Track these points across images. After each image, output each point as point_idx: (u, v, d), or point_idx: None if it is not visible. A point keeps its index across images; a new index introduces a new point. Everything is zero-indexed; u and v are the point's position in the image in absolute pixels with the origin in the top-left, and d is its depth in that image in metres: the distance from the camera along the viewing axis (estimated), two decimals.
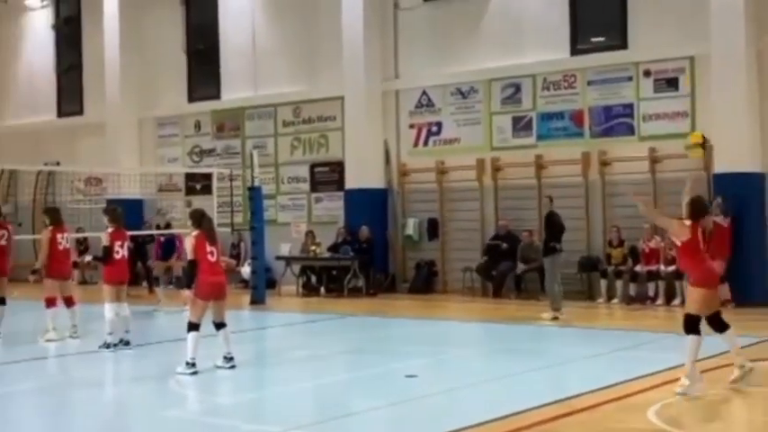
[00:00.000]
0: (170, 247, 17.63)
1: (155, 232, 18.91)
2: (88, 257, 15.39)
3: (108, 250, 12.08)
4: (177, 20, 23.32)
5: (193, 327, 10.15)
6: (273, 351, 12.89)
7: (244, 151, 21.77)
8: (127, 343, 12.08)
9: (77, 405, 9.30)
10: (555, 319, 14.40)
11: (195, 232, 10.36)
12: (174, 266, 17.33)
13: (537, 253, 16.46)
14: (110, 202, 22.32)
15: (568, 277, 16.54)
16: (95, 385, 10.35)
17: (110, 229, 12.26)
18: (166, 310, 16.29)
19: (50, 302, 12.92)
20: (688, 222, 8.90)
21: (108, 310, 11.87)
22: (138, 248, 21.29)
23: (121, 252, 12.17)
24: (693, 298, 8.86)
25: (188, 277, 10.52)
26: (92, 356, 11.70)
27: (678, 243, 8.97)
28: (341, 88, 20.07)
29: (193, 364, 10.00)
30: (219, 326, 10.43)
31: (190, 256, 10.33)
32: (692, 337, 8.65)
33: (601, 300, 16.76)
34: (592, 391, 8.76)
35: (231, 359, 10.37)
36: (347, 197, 20.16)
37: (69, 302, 13.18)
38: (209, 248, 10.26)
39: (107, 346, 11.85)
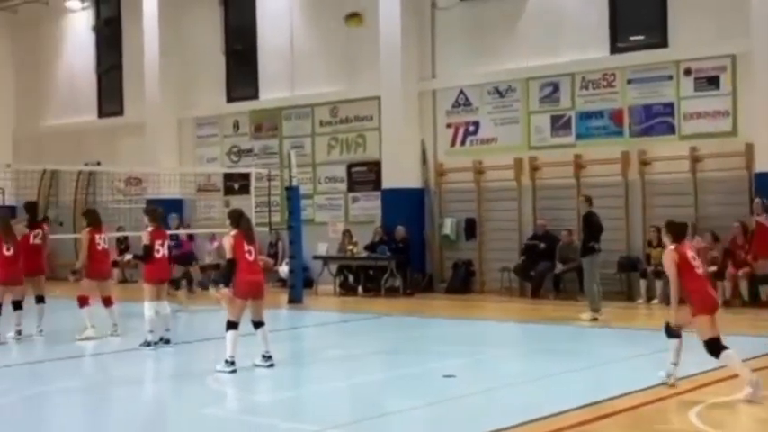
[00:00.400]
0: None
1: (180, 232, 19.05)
2: (129, 256, 15.38)
3: (149, 249, 12.20)
4: (216, 20, 23.46)
5: (232, 325, 10.23)
6: (311, 350, 12.91)
7: (281, 151, 21.85)
8: (167, 341, 12.18)
9: (117, 402, 9.38)
10: (594, 319, 14.29)
11: (233, 232, 10.42)
12: (193, 271, 17.55)
13: (575, 253, 16.34)
14: (149, 201, 22.56)
15: (607, 277, 16.41)
16: (135, 383, 10.43)
17: (150, 229, 12.39)
18: (190, 310, 16.38)
19: (83, 301, 13.07)
20: (672, 247, 8.83)
21: (147, 308, 11.98)
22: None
23: (162, 251, 12.30)
24: (700, 325, 8.66)
25: (226, 276, 10.57)
26: (132, 354, 11.80)
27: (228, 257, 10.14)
28: (378, 88, 20.07)
29: (232, 362, 10.07)
30: (258, 324, 10.49)
31: (228, 255, 10.39)
32: (724, 354, 8.46)
33: (640, 300, 16.60)
34: (632, 393, 8.66)
35: (270, 358, 10.42)
36: (384, 197, 20.16)
37: (107, 302, 13.33)
38: (246, 248, 10.34)
39: (147, 344, 11.95)
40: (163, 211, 12.98)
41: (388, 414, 8.37)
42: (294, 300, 17.85)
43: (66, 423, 8.49)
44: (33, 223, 13.85)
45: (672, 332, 8.94)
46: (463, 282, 19.06)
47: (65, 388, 9.95)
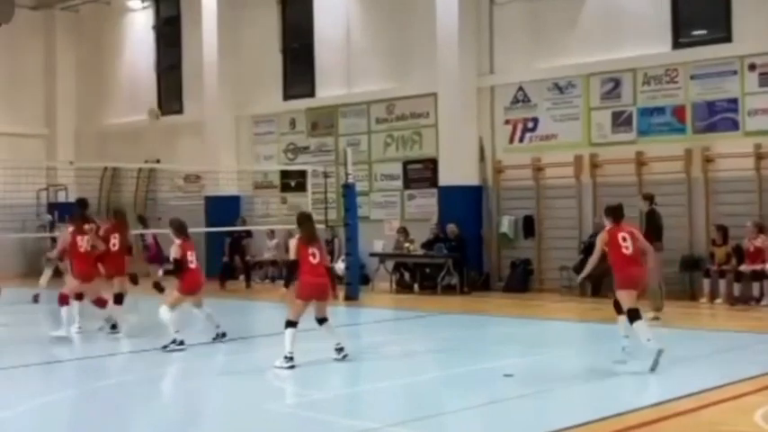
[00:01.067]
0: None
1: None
2: (160, 272, 14.07)
3: (179, 263, 11.93)
4: (273, 19, 23.57)
5: (291, 324, 10.30)
6: (367, 347, 12.84)
7: (337, 148, 21.86)
8: (224, 335, 12.21)
9: (177, 397, 9.43)
10: (656, 319, 14.01)
11: (298, 234, 10.58)
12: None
13: None
14: (208, 199, 22.81)
15: (669, 277, 16.09)
16: (190, 378, 10.48)
17: (178, 241, 12.10)
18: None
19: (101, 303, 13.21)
20: (607, 228, 10.19)
21: (164, 311, 11.78)
22: (236, 243, 21.65)
23: (194, 261, 12.11)
24: (620, 298, 10.22)
25: (287, 277, 10.72)
26: (193, 351, 11.86)
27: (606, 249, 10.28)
28: (434, 84, 19.97)
29: (291, 358, 10.12)
30: (322, 321, 10.61)
31: (291, 256, 10.52)
32: (636, 323, 10.01)
33: (703, 300, 16.27)
34: (695, 393, 8.49)
35: (342, 349, 10.56)
36: (441, 194, 20.05)
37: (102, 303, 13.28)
38: (310, 250, 10.44)
39: (175, 342, 11.68)
40: (185, 223, 12.66)
41: (446, 413, 8.29)
42: (350, 297, 17.85)
43: (127, 416, 8.54)
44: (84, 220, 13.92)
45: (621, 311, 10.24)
46: (521, 280, 18.88)
47: (122, 382, 10.03)
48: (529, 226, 19.09)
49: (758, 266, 15.66)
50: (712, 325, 14.47)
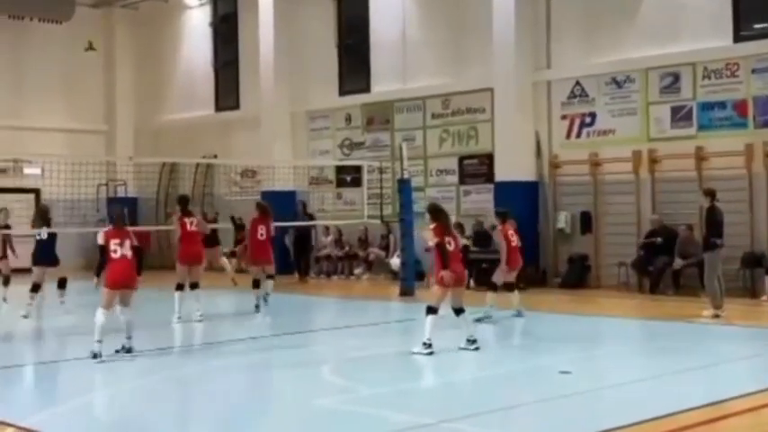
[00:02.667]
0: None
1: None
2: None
3: (101, 251, 11.24)
4: (329, 15, 23.64)
5: (432, 310, 10.60)
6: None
7: (393, 144, 21.85)
8: (129, 350, 10.94)
9: (225, 392, 9.52)
10: (716, 317, 13.80)
11: (432, 224, 10.82)
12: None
13: (696, 248, 15.83)
14: (264, 194, 22.95)
15: (730, 274, 15.81)
16: (242, 372, 10.56)
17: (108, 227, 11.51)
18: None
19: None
20: (432, 226, 10.64)
21: (99, 314, 11.03)
22: (302, 239, 21.80)
23: (122, 251, 10.94)
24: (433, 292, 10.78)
25: (443, 262, 10.80)
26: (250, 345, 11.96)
27: (431, 244, 10.77)
28: (490, 79, 19.85)
29: (430, 345, 10.42)
30: (458, 311, 10.84)
31: (431, 242, 10.86)
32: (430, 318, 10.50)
33: (764, 297, 15.95)
34: (754, 393, 8.33)
35: (474, 341, 10.75)
36: (496, 190, 19.94)
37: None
38: (446, 239, 10.72)
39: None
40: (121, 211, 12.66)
41: (503, 409, 8.23)
42: (405, 292, 17.83)
43: (177, 410, 8.65)
44: (187, 212, 14.64)
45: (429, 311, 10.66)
46: (578, 276, 18.70)
47: (174, 376, 10.14)
48: (586, 222, 18.90)
49: None
50: None
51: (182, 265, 14.12)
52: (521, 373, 9.98)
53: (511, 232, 14.00)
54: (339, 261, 22.35)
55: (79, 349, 10.84)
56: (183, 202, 14.83)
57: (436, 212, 10.98)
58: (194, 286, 14.06)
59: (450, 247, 10.71)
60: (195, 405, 8.83)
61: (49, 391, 9.74)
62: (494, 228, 14.26)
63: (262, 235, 15.25)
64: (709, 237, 14.19)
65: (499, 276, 13.96)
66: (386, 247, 21.69)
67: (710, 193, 14.42)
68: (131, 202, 26.29)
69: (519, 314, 14.03)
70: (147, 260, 15.90)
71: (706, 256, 14.27)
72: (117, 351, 10.61)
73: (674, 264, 16.98)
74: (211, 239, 17.65)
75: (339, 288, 20.08)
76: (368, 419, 7.88)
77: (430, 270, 19.80)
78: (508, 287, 13.95)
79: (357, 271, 21.95)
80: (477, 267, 19.42)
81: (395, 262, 19.88)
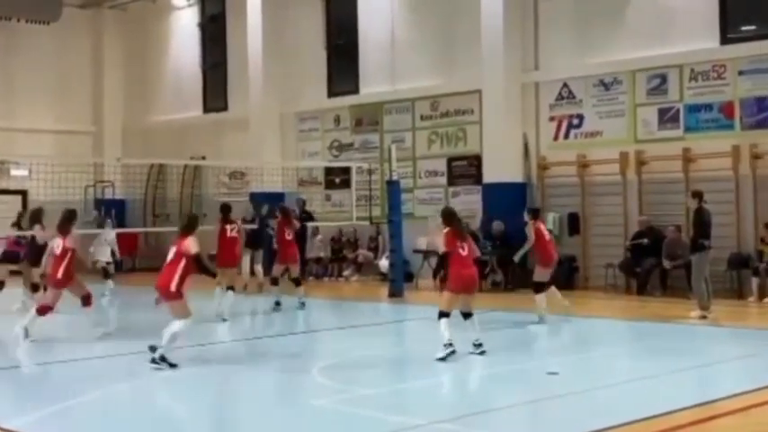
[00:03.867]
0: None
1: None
2: None
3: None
4: (317, 16, 23.66)
5: (444, 315, 10.53)
6: (412, 344, 12.89)
7: (382, 145, 21.90)
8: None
9: (220, 392, 9.53)
10: (703, 317, 13.89)
11: (446, 229, 10.75)
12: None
13: (684, 249, 15.92)
14: (252, 195, 22.95)
15: (717, 275, 15.93)
16: (238, 373, 10.58)
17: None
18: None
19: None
20: (444, 231, 10.59)
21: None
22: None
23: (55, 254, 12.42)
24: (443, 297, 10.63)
25: (438, 268, 10.97)
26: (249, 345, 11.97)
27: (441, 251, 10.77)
28: (479, 81, 19.91)
29: (451, 344, 10.33)
30: (467, 315, 10.77)
31: (443, 249, 10.79)
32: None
33: (751, 298, 16.07)
34: (742, 393, 8.39)
35: (480, 345, 10.67)
36: (485, 191, 20.00)
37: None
38: (459, 244, 10.70)
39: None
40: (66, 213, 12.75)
41: (491, 411, 8.28)
42: (394, 293, 17.87)
43: (170, 408, 8.66)
44: (228, 219, 15.09)
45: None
46: (566, 278, 18.73)
47: (172, 374, 10.14)
48: (574, 223, 18.98)
49: None
50: (761, 324, 14.28)
51: (218, 268, 14.13)
52: (510, 374, 10.02)
53: (543, 228, 14.14)
54: (329, 263, 22.36)
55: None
56: (226, 210, 15.31)
57: (449, 217, 10.89)
58: (229, 288, 14.42)
59: (464, 252, 10.66)
60: (189, 406, 8.83)
61: (36, 394, 9.73)
62: (525, 224, 14.15)
63: (288, 234, 15.92)
64: (696, 238, 14.29)
65: (541, 274, 13.77)
66: (375, 249, 21.73)
67: (698, 195, 14.51)
68: (119, 204, 26.27)
69: (540, 320, 13.54)
70: (136, 262, 16.03)
71: (693, 258, 14.36)
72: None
73: (661, 265, 17.07)
74: (255, 240, 18.61)
75: (329, 290, 20.10)
76: (361, 420, 7.90)
77: (417, 272, 19.94)
78: (538, 287, 13.66)
79: (346, 273, 21.98)
80: None
81: (384, 263, 19.91)
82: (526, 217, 14.22)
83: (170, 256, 10.31)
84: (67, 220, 12.52)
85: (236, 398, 9.11)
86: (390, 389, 9.40)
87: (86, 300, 12.49)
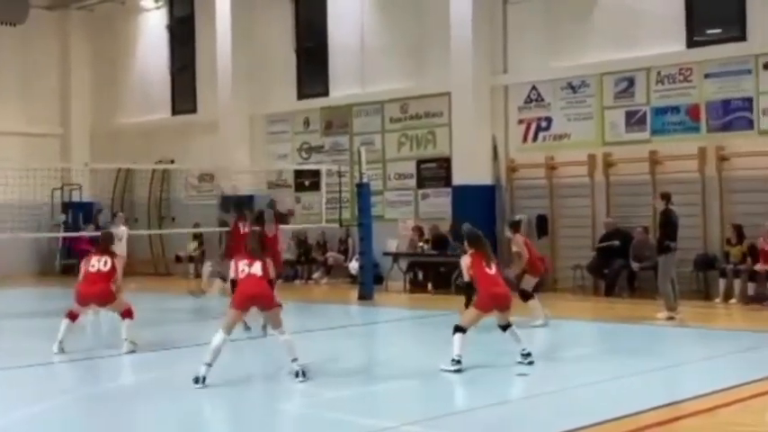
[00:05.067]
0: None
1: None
2: None
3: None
4: (287, 18, 23.62)
5: (460, 329, 10.20)
6: (382, 347, 12.91)
7: (352, 148, 21.90)
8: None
9: (188, 398, 9.49)
10: (670, 318, 14.02)
11: (471, 251, 10.47)
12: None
13: (651, 251, 16.06)
14: (222, 197, 22.86)
15: (684, 276, 16.08)
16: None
17: None
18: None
19: None
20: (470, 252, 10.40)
21: None
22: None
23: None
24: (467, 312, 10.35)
25: (467, 297, 10.78)
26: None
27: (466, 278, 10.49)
28: (448, 84, 19.98)
29: (459, 361, 9.95)
30: (505, 328, 10.51)
31: (466, 276, 10.48)
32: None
33: (718, 299, 16.23)
34: (709, 394, 8.48)
35: (528, 354, 10.32)
36: (454, 193, 20.07)
37: None
38: (484, 262, 10.38)
39: None
40: None
41: (461, 412, 8.32)
42: (364, 296, 17.88)
43: (138, 418, 8.62)
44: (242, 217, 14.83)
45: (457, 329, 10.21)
46: None
47: (138, 381, 10.08)
48: (542, 225, 19.07)
49: None
50: (727, 325, 14.44)
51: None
52: (479, 375, 10.05)
53: (526, 238, 14.17)
54: (299, 265, 22.32)
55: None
56: (239, 208, 15.43)
57: (474, 239, 10.57)
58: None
59: (491, 272, 10.34)
60: (153, 411, 8.78)
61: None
62: (509, 239, 13.97)
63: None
64: (662, 240, 14.42)
65: (529, 282, 13.64)
66: (344, 252, 21.72)
67: (666, 197, 14.65)
68: (87, 207, 26.07)
69: (545, 323, 13.52)
70: None
71: (660, 259, 14.50)
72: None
73: (628, 267, 17.21)
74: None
75: (298, 292, 20.06)
76: (330, 423, 7.91)
77: (387, 275, 19.94)
78: (525, 295, 13.48)
79: (316, 275, 21.94)
80: (434, 271, 19.58)
81: (353, 266, 19.92)
82: (508, 232, 14.13)
83: (257, 269, 9.78)
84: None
85: (203, 402, 9.06)
86: (360, 391, 9.41)
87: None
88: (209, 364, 9.30)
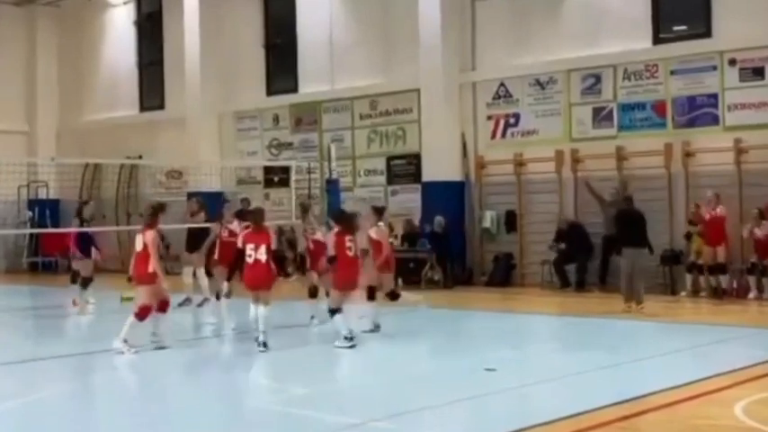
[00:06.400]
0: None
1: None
2: None
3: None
4: (256, 14, 23.55)
5: (335, 311, 11.22)
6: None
7: (321, 144, 21.88)
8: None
9: (156, 394, 9.46)
10: (627, 312, 14.20)
11: (336, 229, 11.52)
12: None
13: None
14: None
15: (650, 271, 16.17)
16: (168, 375, 10.49)
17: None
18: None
19: None
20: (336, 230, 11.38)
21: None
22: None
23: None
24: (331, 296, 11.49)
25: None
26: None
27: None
28: (417, 81, 20.01)
29: (351, 338, 11.01)
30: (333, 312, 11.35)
31: (332, 249, 11.49)
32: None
33: (684, 293, 16.39)
34: (676, 387, 8.56)
35: (352, 338, 11.06)
36: (424, 190, 20.11)
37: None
38: (347, 245, 11.34)
39: None
40: None
41: (429, 408, 8.32)
42: None
43: (102, 415, 8.58)
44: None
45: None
46: (504, 275, 18.98)
47: (100, 379, 10.04)
48: (511, 220, 19.19)
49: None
50: (693, 319, 14.58)
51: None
52: (448, 371, 10.09)
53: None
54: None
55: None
56: (246, 204, 15.61)
57: (340, 218, 11.55)
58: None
59: (351, 254, 11.20)
60: (122, 408, 8.73)
61: None
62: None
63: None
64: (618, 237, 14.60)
65: (388, 282, 12.91)
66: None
67: (628, 198, 14.87)
68: (53, 204, 25.85)
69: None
70: (71, 263, 15.71)
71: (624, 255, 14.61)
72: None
73: (588, 262, 17.36)
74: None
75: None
76: (297, 420, 7.90)
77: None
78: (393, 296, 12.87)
79: (290, 270, 21.86)
80: (404, 267, 19.56)
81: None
82: (367, 221, 13.05)
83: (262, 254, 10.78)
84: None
85: (169, 399, 9.03)
86: (326, 388, 9.40)
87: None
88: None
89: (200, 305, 14.62)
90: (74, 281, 15.81)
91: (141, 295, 11.15)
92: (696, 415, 7.65)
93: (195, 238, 15.10)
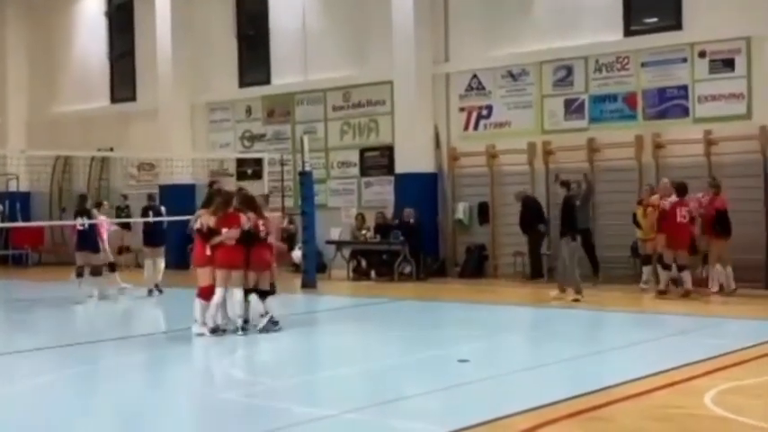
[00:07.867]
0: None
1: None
2: None
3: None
4: (228, 5, 23.43)
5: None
6: (325, 335, 12.94)
7: (294, 136, 21.85)
8: None
9: (130, 388, 9.44)
10: (576, 300, 14.40)
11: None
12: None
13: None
14: (162, 187, 22.64)
15: (620, 262, 16.38)
16: (142, 369, 10.49)
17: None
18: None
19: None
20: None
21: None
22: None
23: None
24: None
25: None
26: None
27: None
28: (390, 72, 20.03)
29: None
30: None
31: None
32: None
33: (644, 286, 16.44)
34: (645, 377, 8.66)
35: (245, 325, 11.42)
36: (397, 181, 20.14)
37: None
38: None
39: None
40: None
41: (402, 399, 8.38)
42: (307, 284, 17.88)
43: (76, 408, 8.56)
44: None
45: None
46: (476, 266, 19.06)
47: (78, 372, 10.01)
48: (484, 212, 19.27)
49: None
50: (659, 309, 14.70)
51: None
52: (421, 362, 10.15)
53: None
54: None
55: None
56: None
57: (244, 201, 11.93)
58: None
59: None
60: (95, 401, 8.72)
61: None
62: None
63: None
64: (565, 228, 14.72)
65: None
66: (287, 240, 21.64)
67: (566, 184, 14.98)
68: (24, 197, 25.64)
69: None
70: (42, 257, 15.64)
71: (567, 248, 14.74)
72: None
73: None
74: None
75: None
76: (272, 412, 7.91)
77: (330, 263, 19.97)
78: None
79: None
80: (377, 259, 19.64)
81: (297, 255, 19.88)
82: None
83: None
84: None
85: (142, 391, 9.02)
86: (301, 380, 9.43)
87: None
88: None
89: None
90: (79, 274, 16.08)
91: (200, 277, 11.82)
92: (667, 404, 7.74)
93: None
